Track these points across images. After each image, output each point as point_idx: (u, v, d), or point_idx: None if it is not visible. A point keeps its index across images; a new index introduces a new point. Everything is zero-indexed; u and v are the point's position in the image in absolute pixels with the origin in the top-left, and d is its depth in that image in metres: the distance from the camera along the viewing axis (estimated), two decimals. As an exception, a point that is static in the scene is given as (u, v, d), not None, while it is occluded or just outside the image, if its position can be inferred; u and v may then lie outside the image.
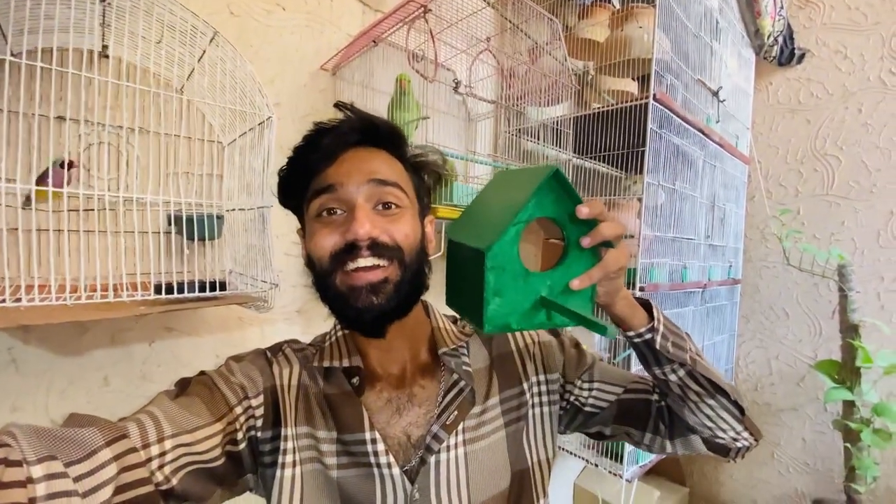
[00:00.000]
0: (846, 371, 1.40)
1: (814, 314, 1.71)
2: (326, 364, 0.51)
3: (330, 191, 0.47)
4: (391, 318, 0.49)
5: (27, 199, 0.65)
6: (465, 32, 1.12)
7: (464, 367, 0.53)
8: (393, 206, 0.49)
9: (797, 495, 1.69)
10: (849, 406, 1.39)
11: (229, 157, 0.82)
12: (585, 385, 0.58)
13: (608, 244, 0.44)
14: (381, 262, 0.46)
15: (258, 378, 0.50)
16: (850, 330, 1.40)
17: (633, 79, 1.45)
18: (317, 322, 1.07)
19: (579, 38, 1.43)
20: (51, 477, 0.31)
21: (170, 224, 0.79)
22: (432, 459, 0.48)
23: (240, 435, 0.46)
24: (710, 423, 0.51)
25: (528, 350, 0.59)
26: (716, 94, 1.48)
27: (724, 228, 1.63)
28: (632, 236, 1.22)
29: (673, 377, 0.50)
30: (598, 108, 1.32)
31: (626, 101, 1.21)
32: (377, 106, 1.01)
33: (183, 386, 0.48)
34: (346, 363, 0.51)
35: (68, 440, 0.34)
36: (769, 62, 1.79)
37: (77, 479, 0.32)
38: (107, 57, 0.74)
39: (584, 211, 0.42)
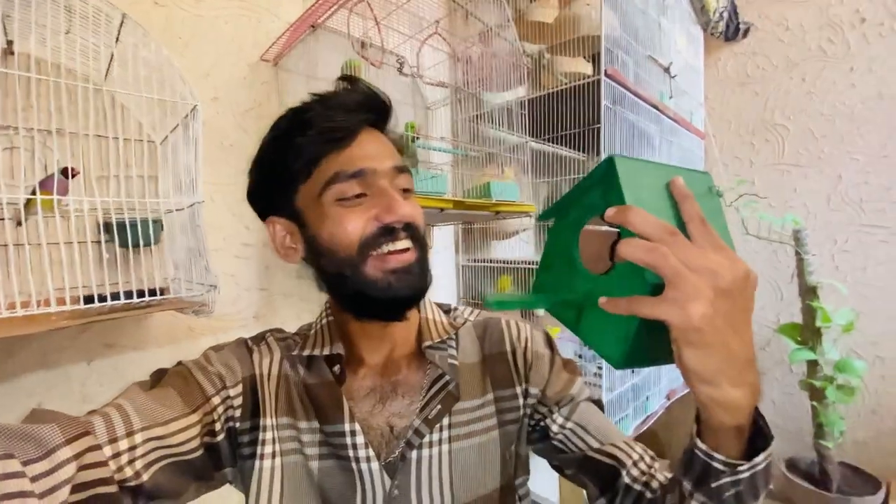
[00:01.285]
0: (808, 332, 1.45)
1: (774, 280, 1.77)
2: (307, 352, 0.50)
3: (359, 176, 0.44)
4: (419, 300, 0.48)
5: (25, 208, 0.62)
6: (412, 16, 1.09)
7: (449, 361, 0.51)
8: (408, 191, 0.49)
9: (773, 454, 1.75)
10: (812, 365, 1.44)
11: (163, 156, 0.77)
12: (560, 419, 0.52)
13: (650, 275, 0.31)
14: (412, 245, 0.46)
15: (237, 367, 0.48)
16: (808, 292, 1.45)
17: (586, 59, 1.45)
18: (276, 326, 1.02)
19: (530, 21, 1.42)
20: (6, 476, 0.30)
21: (100, 232, 0.73)
22: (413, 455, 0.47)
23: (218, 426, 0.45)
24: None
25: (520, 354, 0.55)
26: (667, 69, 1.49)
27: (685, 203, 1.65)
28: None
29: None
30: (553, 88, 1.31)
31: (578, 80, 1.21)
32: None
33: (158, 377, 0.46)
34: (327, 351, 0.49)
35: (27, 437, 0.32)
36: (716, 38, 1.83)
37: (34, 479, 0.31)
38: (12, 53, 0.67)
39: (609, 213, 0.32)
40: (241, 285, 0.97)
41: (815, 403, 1.43)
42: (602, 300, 0.34)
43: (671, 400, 1.56)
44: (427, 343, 0.51)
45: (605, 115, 1.13)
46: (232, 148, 0.94)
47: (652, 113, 1.37)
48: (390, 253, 0.44)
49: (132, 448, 0.37)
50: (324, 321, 0.53)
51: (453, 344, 0.53)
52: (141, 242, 0.68)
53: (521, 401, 0.53)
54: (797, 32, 1.72)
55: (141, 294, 0.57)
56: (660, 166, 0.37)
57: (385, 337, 0.51)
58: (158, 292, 0.60)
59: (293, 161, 0.46)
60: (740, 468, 0.35)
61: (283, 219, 0.49)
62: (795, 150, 1.72)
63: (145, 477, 0.37)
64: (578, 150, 1.42)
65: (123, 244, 0.69)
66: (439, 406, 0.48)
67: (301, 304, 1.08)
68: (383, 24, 1.03)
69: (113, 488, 0.34)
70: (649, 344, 0.35)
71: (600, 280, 0.36)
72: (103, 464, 0.34)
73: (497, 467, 0.50)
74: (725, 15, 1.79)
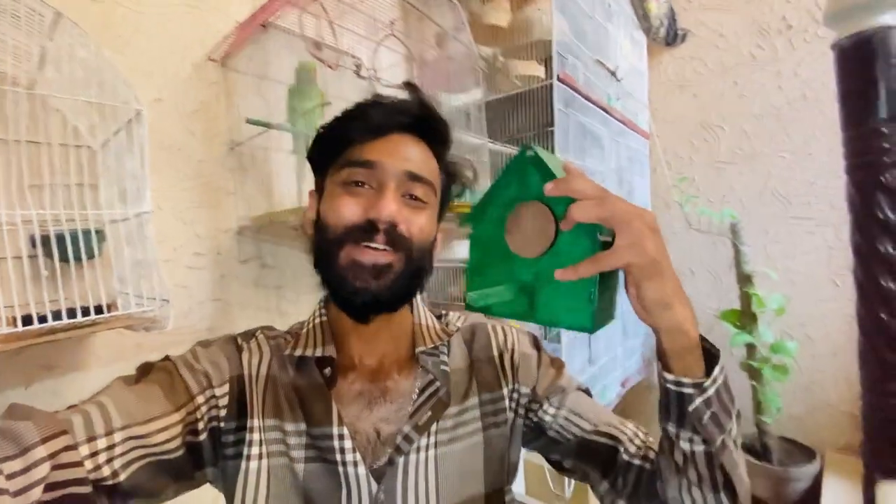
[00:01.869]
0: (745, 317, 1.57)
1: (714, 270, 1.89)
2: (299, 353, 0.50)
3: (367, 166, 0.47)
4: (382, 308, 0.48)
5: None
6: (367, 17, 1.08)
7: (441, 367, 0.52)
8: (419, 200, 0.49)
9: (716, 434, 1.88)
10: (750, 348, 1.56)
11: (103, 163, 0.72)
12: (552, 409, 0.54)
13: (601, 230, 0.36)
14: (389, 250, 0.46)
15: (225, 366, 0.48)
16: (744, 280, 1.57)
17: (538, 62, 1.49)
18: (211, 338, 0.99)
19: (484, 24, 1.44)
20: None
21: (34, 246, 0.68)
22: (401, 460, 0.47)
23: (201, 425, 0.44)
24: None
25: (507, 357, 0.57)
26: (613, 73, 1.56)
27: (632, 200, 1.74)
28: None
29: (686, 446, 0.41)
30: (508, 91, 1.34)
31: (533, 84, 1.25)
32: (276, 98, 0.94)
33: (144, 371, 0.46)
34: (319, 352, 0.49)
35: (4, 434, 0.32)
36: (658, 43, 1.93)
37: (10, 477, 0.31)
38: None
39: (548, 188, 0.36)
40: (194, 297, 0.93)
41: (754, 383, 1.55)
42: (559, 272, 0.36)
43: (625, 388, 1.64)
44: (421, 349, 0.52)
45: (558, 118, 1.17)
46: (179, 152, 0.90)
47: (600, 115, 1.43)
48: (367, 247, 0.45)
49: (111, 447, 0.37)
50: (317, 320, 0.53)
51: (445, 350, 0.54)
52: (83, 256, 0.63)
53: (507, 402, 0.54)
54: (730, 38, 1.85)
55: (86, 312, 0.53)
56: (550, 154, 0.42)
57: (376, 340, 0.52)
58: (106, 309, 0.56)
59: (331, 142, 0.50)
60: (706, 384, 0.38)
61: (316, 192, 0.53)
62: (730, 148, 1.85)
63: (123, 476, 0.37)
64: (534, 151, 1.46)
65: (63, 258, 0.65)
66: (430, 412, 0.49)
67: (259, 315, 1.04)
68: (338, 25, 1.02)
69: (87, 489, 0.34)
70: (604, 300, 0.39)
71: (544, 260, 0.39)
72: (78, 464, 0.34)
73: (481, 472, 0.51)
74: (666, 21, 1.89)
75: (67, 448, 0.34)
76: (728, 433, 0.40)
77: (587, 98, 1.32)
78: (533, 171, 0.39)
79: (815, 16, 1.68)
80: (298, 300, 1.12)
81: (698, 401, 0.38)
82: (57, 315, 0.51)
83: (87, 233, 0.65)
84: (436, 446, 0.49)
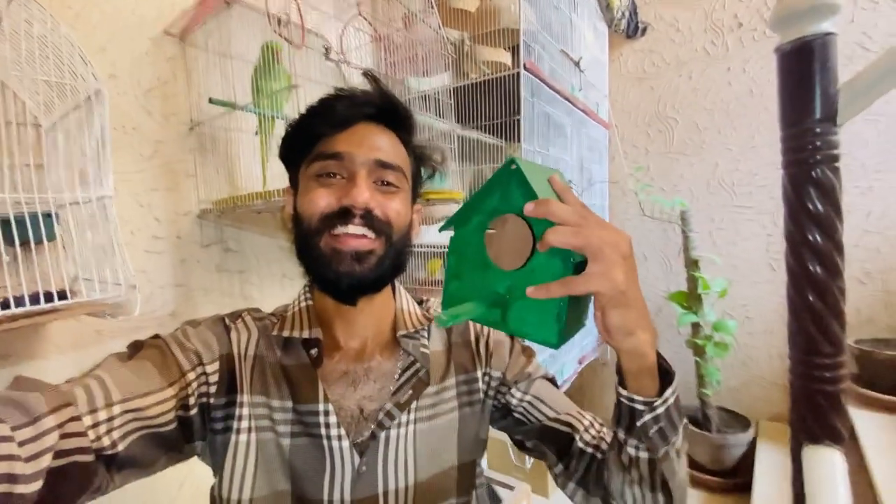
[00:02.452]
0: (691, 298, 1.68)
1: (665, 255, 2.01)
2: (286, 334, 0.52)
3: (336, 158, 0.49)
4: (367, 289, 0.51)
5: None
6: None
7: (421, 350, 0.55)
8: (391, 185, 0.51)
9: (664, 407, 2.03)
10: (695, 327, 1.68)
11: (52, 142, 0.68)
12: (518, 394, 0.57)
13: (574, 255, 0.37)
14: (370, 234, 0.48)
15: (214, 344, 0.50)
16: (692, 264, 1.68)
17: (505, 49, 1.51)
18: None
19: (452, 8, 1.43)
20: None
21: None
22: (382, 435, 0.50)
23: (192, 400, 0.46)
24: None
25: (482, 342, 0.60)
26: (577, 64, 1.60)
27: (592, 188, 1.81)
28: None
29: (632, 451, 0.44)
30: (476, 78, 1.35)
31: (501, 72, 1.26)
32: (237, 75, 0.91)
33: (136, 348, 0.48)
34: (305, 334, 0.52)
35: (15, 404, 0.34)
36: (619, 34, 1.99)
37: (21, 444, 0.32)
38: None
39: (528, 208, 0.36)
40: (155, 282, 0.90)
41: (697, 359, 1.68)
42: (531, 290, 0.37)
43: (582, 365, 1.73)
44: (402, 332, 0.55)
45: (524, 107, 1.19)
46: (135, 131, 0.86)
47: (565, 104, 1.47)
48: (345, 235, 0.47)
49: (110, 419, 0.39)
50: (302, 304, 0.55)
51: (425, 334, 0.57)
52: (33, 238, 0.60)
53: (481, 384, 0.58)
54: (686, 34, 1.93)
55: (48, 298, 0.51)
56: (539, 166, 0.43)
57: (360, 323, 0.54)
58: (69, 294, 0.54)
59: (300, 138, 0.51)
60: (656, 403, 0.41)
61: (292, 188, 0.55)
62: (682, 140, 1.95)
63: (121, 447, 0.39)
64: (500, 138, 1.49)
65: (10, 242, 0.61)
66: (410, 391, 0.52)
67: (223, 300, 1.02)
68: (304, 3, 0.99)
69: (90, 457, 0.36)
70: (572, 318, 0.40)
71: (518, 274, 0.39)
72: (83, 434, 0.36)
73: (455, 446, 0.54)
74: (627, 13, 1.95)
75: (73, 419, 0.36)
76: (671, 445, 0.43)
77: (552, 88, 1.35)
78: (516, 184, 0.39)
79: (764, 15, 1.78)
80: (262, 284, 1.10)
81: (647, 417, 0.42)
82: (19, 301, 0.49)
83: (36, 216, 0.62)
84: (415, 422, 0.52)
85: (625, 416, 0.43)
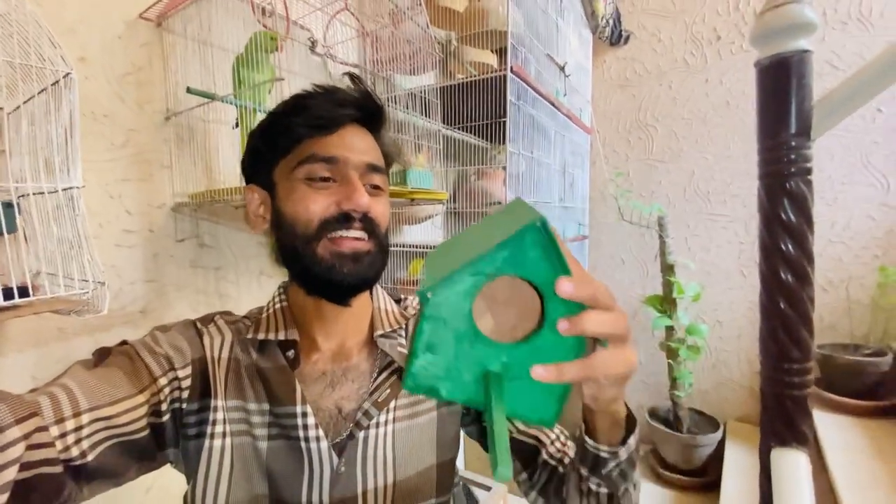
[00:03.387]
0: (666, 302, 1.72)
1: (641, 259, 2.05)
2: (262, 336, 0.51)
3: (330, 162, 0.48)
4: (362, 288, 0.51)
5: None
6: (318, -11, 1.03)
7: (398, 349, 0.54)
8: (378, 188, 0.52)
9: (637, 406, 2.07)
10: (669, 330, 1.72)
11: (15, 127, 0.64)
12: None
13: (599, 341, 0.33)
14: (366, 237, 0.49)
15: (186, 349, 0.49)
16: (667, 269, 1.72)
17: (492, 51, 1.51)
18: (168, 322, 0.93)
19: (440, 6, 1.42)
20: None
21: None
22: (361, 435, 0.49)
23: (164, 406, 0.45)
24: None
25: None
26: (562, 68, 1.61)
27: (574, 192, 1.83)
28: (497, 203, 1.29)
29: (593, 486, 0.45)
30: (463, 78, 1.34)
31: (487, 73, 1.26)
32: (217, 64, 0.88)
33: (102, 356, 0.46)
34: (281, 336, 0.51)
35: None
36: (603, 42, 2.02)
37: None
38: None
39: (565, 289, 0.30)
40: (125, 278, 0.86)
41: (670, 361, 1.72)
42: (539, 371, 0.31)
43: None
44: (379, 332, 0.55)
45: (510, 110, 1.20)
46: (106, 118, 0.82)
47: (549, 108, 1.48)
48: (343, 238, 0.48)
49: (78, 428, 0.38)
50: (277, 305, 0.55)
51: (403, 333, 0.57)
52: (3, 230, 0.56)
53: None
54: (667, 44, 1.97)
55: (8, 294, 0.48)
56: (526, 205, 0.35)
57: (339, 323, 0.54)
58: (31, 291, 0.51)
59: (279, 137, 0.50)
60: (620, 452, 0.42)
61: (260, 188, 0.53)
62: (661, 147, 1.99)
63: (90, 457, 0.38)
64: (485, 139, 1.49)
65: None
66: (388, 390, 0.52)
67: (197, 297, 0.99)
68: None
69: (58, 468, 0.35)
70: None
71: (516, 349, 0.32)
72: (50, 444, 0.35)
73: (434, 445, 0.54)
74: (611, 21, 1.98)
75: (39, 429, 0.35)
76: (630, 482, 0.45)
77: (538, 91, 1.36)
78: (533, 244, 0.31)
79: (742, 30, 1.84)
80: (239, 282, 1.07)
81: (611, 464, 0.43)
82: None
83: (6, 206, 0.58)
84: (394, 422, 0.52)
85: (588, 459, 0.44)
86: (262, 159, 0.53)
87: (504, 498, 1.49)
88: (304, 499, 0.47)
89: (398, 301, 0.63)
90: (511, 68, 1.18)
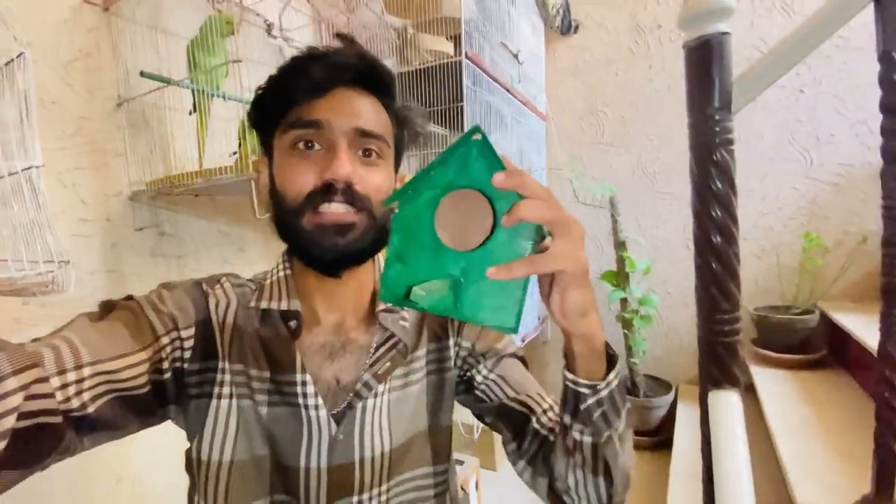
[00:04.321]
0: (620, 277, 1.83)
1: (597, 238, 2.16)
2: (264, 305, 0.51)
3: (314, 126, 0.46)
4: (350, 262, 0.50)
5: None
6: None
7: (400, 323, 0.54)
8: (374, 155, 0.49)
9: (598, 380, 2.19)
10: (623, 302, 1.84)
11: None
12: (484, 371, 0.57)
13: (541, 232, 0.36)
14: (351, 210, 0.46)
15: (191, 309, 0.49)
16: (619, 245, 1.83)
17: (447, 38, 1.54)
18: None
19: (394, -6, 1.44)
20: None
21: None
22: (359, 405, 0.50)
23: (165, 364, 0.46)
24: (570, 488, 0.47)
25: None
26: (516, 56, 1.67)
27: (531, 175, 1.90)
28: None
29: (576, 435, 0.44)
30: (419, 65, 1.37)
31: (442, 59, 1.29)
32: (168, 49, 0.87)
33: (107, 309, 0.46)
34: (283, 306, 0.51)
35: None
36: (554, 31, 2.09)
37: None
38: None
39: (497, 179, 0.33)
40: (83, 267, 0.84)
41: (625, 331, 1.83)
42: (492, 270, 0.34)
43: (524, 342, 1.83)
44: (381, 307, 0.54)
45: (467, 95, 1.24)
46: (54, 105, 0.80)
47: (505, 95, 1.54)
48: (326, 211, 0.46)
49: (80, 380, 0.38)
50: (280, 273, 0.53)
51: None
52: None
53: (452, 352, 0.58)
54: (613, 33, 2.07)
55: (-28, 274, 0.48)
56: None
57: (340, 296, 0.53)
58: (-5, 271, 0.50)
59: (273, 103, 0.48)
60: (600, 386, 0.41)
61: (265, 157, 0.52)
62: (611, 132, 2.10)
63: (91, 409, 0.38)
64: (443, 126, 1.52)
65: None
66: (388, 363, 0.52)
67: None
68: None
69: (58, 419, 0.36)
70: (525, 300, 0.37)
71: (475, 254, 0.36)
72: (50, 395, 0.35)
73: (425, 411, 0.55)
74: (561, 11, 2.05)
75: (39, 380, 0.35)
76: (614, 430, 0.43)
77: (493, 78, 1.41)
78: (477, 156, 0.35)
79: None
80: (201, 270, 1.07)
81: (591, 401, 0.41)
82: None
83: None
84: (390, 392, 0.52)
85: (570, 401, 0.43)
86: (262, 127, 0.51)
87: (476, 471, 1.55)
88: (302, 463, 0.48)
89: None
90: (466, 54, 1.22)
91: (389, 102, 0.52)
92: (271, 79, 0.49)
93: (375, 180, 0.48)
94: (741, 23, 1.84)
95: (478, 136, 0.34)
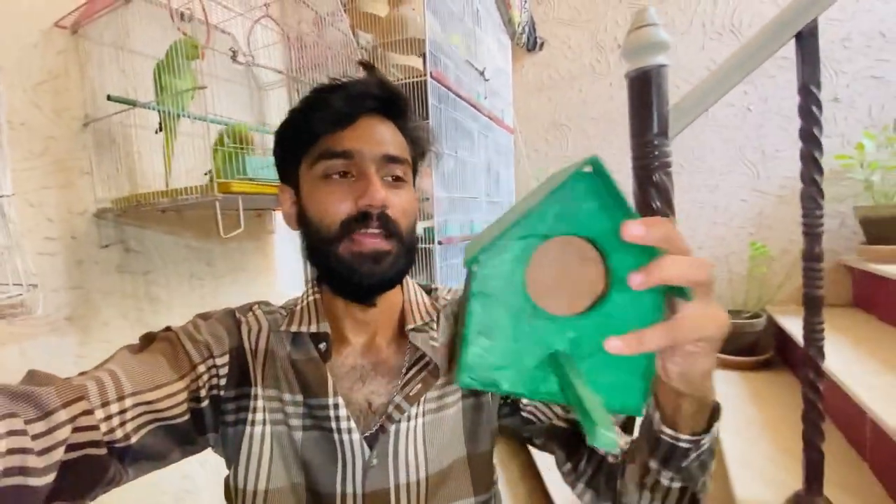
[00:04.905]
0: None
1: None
2: (294, 329, 0.52)
3: (345, 156, 0.47)
4: (385, 288, 0.50)
5: None
6: (239, -3, 1.06)
7: (431, 343, 0.53)
8: (399, 179, 0.50)
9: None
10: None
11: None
12: None
13: (681, 292, 0.27)
14: (385, 234, 0.47)
15: (225, 337, 0.50)
16: (584, 255, 1.91)
17: (417, 55, 1.59)
18: (96, 328, 0.93)
19: (363, 12, 1.49)
20: (11, 434, 0.32)
21: None
22: (392, 428, 0.49)
23: (203, 392, 0.47)
24: None
25: None
26: (482, 73, 1.74)
27: (499, 187, 1.97)
28: (427, 199, 1.39)
29: (665, 482, 0.39)
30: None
31: (414, 77, 1.35)
32: (138, 70, 0.89)
33: (147, 340, 0.48)
34: (314, 328, 0.51)
35: (27, 398, 0.34)
36: (521, 48, 2.18)
37: (34, 438, 0.33)
38: None
39: (632, 231, 0.25)
40: (48, 285, 0.85)
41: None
42: (615, 342, 0.26)
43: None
44: (410, 326, 0.53)
45: (432, 112, 1.29)
46: (23, 127, 0.81)
47: (471, 111, 1.60)
48: (364, 235, 0.47)
49: (122, 412, 0.39)
50: (310, 298, 0.55)
51: (434, 326, 0.55)
52: None
53: None
54: (576, 51, 2.17)
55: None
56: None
57: (369, 319, 0.53)
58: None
59: (299, 135, 0.50)
60: (703, 441, 0.36)
61: (289, 187, 0.53)
62: (575, 145, 2.20)
63: (134, 440, 0.40)
64: (412, 140, 1.57)
65: None
66: (420, 384, 0.51)
67: (125, 302, 0.99)
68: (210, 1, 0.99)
69: (102, 450, 0.37)
70: None
71: (584, 320, 0.28)
72: (94, 427, 0.37)
73: (462, 437, 0.53)
74: (527, 29, 2.14)
75: (85, 412, 0.36)
76: (708, 473, 0.40)
77: (458, 95, 1.47)
78: (588, 194, 0.27)
79: (636, 40, 2.07)
80: (169, 285, 1.08)
81: (692, 455, 0.37)
82: None
83: None
84: (424, 415, 0.51)
85: (661, 450, 0.38)
86: (287, 158, 0.53)
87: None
88: (338, 489, 0.47)
89: (429, 292, 0.61)
90: (430, 74, 1.28)
91: (405, 125, 0.54)
92: (295, 111, 0.51)
93: (403, 203, 0.50)
94: (693, 45, 1.97)
95: (588, 169, 0.27)
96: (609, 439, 0.21)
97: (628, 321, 0.27)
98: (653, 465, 0.39)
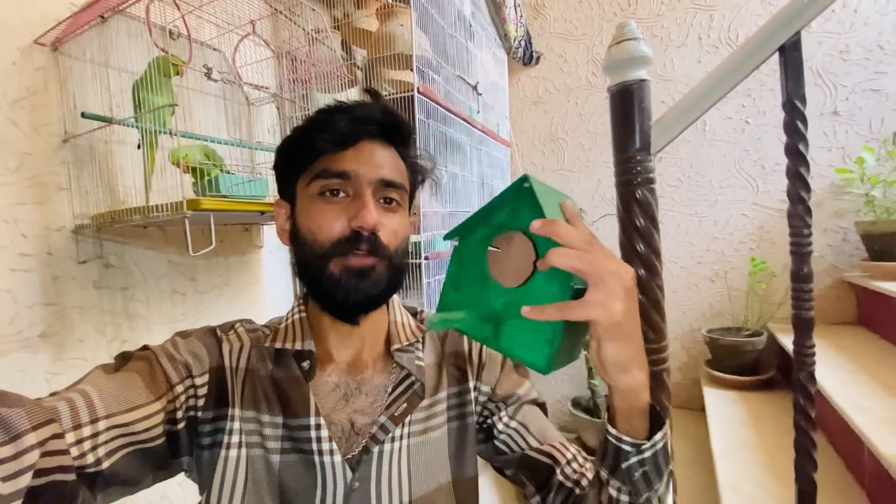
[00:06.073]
0: (580, 301, 1.88)
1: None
2: (278, 346, 0.51)
3: (343, 177, 0.48)
4: (369, 307, 0.50)
5: None
6: (227, 12, 1.07)
7: (416, 363, 0.54)
8: (394, 203, 0.51)
9: (563, 397, 2.22)
10: (584, 326, 1.88)
11: None
12: (505, 417, 0.55)
13: (575, 279, 0.35)
14: (372, 255, 0.48)
15: (205, 356, 0.49)
16: (580, 270, 1.88)
17: (410, 69, 1.59)
18: (71, 345, 0.92)
19: (356, 28, 1.50)
20: None
21: None
22: (376, 449, 0.48)
23: (179, 414, 0.45)
24: None
25: (475, 354, 0.59)
26: (474, 88, 1.74)
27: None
28: (414, 213, 1.38)
29: (613, 493, 0.44)
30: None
31: (407, 91, 1.34)
32: (119, 86, 0.89)
33: (124, 359, 0.46)
34: (298, 346, 0.51)
35: None
36: (517, 62, 2.18)
37: (1, 463, 0.31)
38: None
39: (534, 225, 0.35)
40: (21, 302, 0.84)
41: (586, 353, 1.87)
42: (526, 309, 0.35)
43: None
44: (396, 346, 0.54)
45: (419, 127, 1.28)
46: (-2, 143, 0.81)
47: (463, 125, 1.59)
48: (353, 255, 0.47)
49: (95, 435, 0.38)
50: (296, 315, 0.54)
51: (420, 346, 0.56)
52: None
53: (472, 395, 0.56)
54: (572, 64, 2.17)
55: None
56: (551, 189, 0.43)
57: (355, 337, 0.53)
58: None
59: (300, 152, 0.51)
60: (644, 447, 0.40)
61: (286, 202, 0.54)
62: (572, 158, 2.18)
63: (106, 464, 0.38)
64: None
65: None
66: (405, 404, 0.51)
67: (103, 318, 0.98)
68: (196, 14, 0.99)
69: (71, 476, 0.35)
70: (566, 345, 0.38)
71: (516, 292, 0.38)
72: (65, 452, 0.35)
73: (448, 461, 0.53)
74: (523, 43, 2.15)
75: (55, 436, 0.35)
76: (654, 492, 0.43)
77: (448, 110, 1.46)
78: (526, 202, 0.38)
79: (633, 53, 2.06)
80: (149, 301, 1.07)
81: (633, 459, 0.41)
82: None
83: None
84: (409, 437, 0.50)
85: (610, 456, 0.43)
86: (286, 173, 0.53)
87: None
88: None
89: (414, 314, 0.62)
90: (418, 89, 1.27)
91: (406, 152, 0.55)
92: (298, 129, 0.52)
93: (394, 226, 0.50)
94: (689, 58, 1.95)
95: (525, 185, 0.38)
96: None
97: (542, 296, 0.37)
98: (603, 473, 0.44)
